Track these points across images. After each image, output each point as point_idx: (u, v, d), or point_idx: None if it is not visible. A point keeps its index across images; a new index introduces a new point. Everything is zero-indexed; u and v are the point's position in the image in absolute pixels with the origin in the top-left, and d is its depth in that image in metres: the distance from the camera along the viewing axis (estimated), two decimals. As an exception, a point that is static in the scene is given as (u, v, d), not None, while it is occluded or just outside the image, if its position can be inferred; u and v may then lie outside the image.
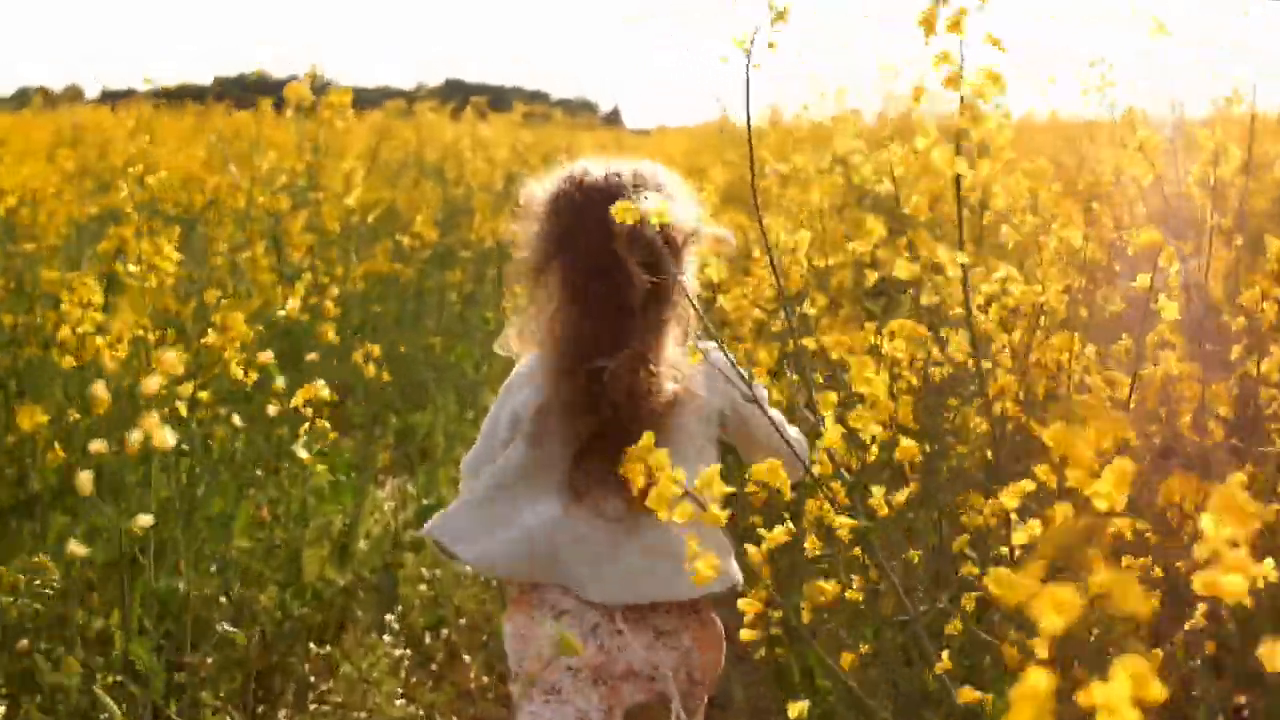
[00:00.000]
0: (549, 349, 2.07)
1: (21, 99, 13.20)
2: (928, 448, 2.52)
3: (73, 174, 6.99)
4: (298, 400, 3.29)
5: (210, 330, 3.14)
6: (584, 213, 2.06)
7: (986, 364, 2.50)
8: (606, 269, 1.99)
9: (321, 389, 3.28)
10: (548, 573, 2.06)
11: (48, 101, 12.59)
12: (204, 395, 3.27)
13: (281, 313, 4.43)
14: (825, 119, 6.03)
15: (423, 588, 3.96)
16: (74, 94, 13.20)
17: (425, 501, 4.32)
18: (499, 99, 13.47)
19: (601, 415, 2.00)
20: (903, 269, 2.70)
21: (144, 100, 7.76)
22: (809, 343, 2.80)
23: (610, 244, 1.94)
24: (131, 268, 3.28)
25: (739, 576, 2.07)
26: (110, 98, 12.52)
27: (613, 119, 23.59)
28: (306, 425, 3.39)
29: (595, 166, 2.14)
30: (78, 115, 11.25)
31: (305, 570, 3.68)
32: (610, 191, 2.02)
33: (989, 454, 2.39)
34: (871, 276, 3.95)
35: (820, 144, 7.43)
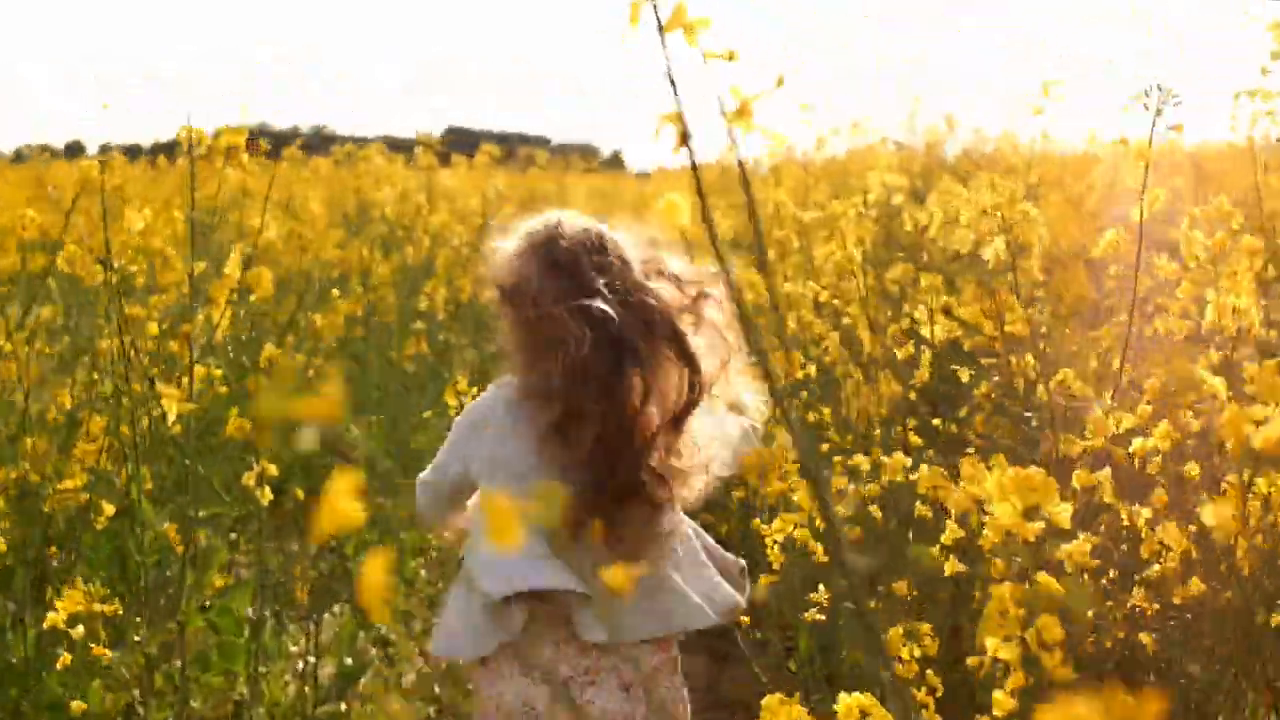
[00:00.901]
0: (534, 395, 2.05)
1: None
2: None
3: None
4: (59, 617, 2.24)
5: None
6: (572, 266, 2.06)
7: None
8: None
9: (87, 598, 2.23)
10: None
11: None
12: None
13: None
14: (845, 152, 5.01)
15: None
16: None
17: (347, 660, 3.29)
18: (502, 145, 12.58)
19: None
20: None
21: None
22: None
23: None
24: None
25: (741, 600, 2.12)
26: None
27: (614, 163, 22.68)
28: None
29: (571, 219, 2.13)
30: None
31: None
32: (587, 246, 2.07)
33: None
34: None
35: (837, 181, 6.42)
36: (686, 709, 2.15)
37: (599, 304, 2.00)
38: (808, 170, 6.05)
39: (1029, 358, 2.56)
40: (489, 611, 2.01)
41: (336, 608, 4.03)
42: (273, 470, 3.08)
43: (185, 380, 3.21)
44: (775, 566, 2.44)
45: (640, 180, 14.29)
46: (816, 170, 6.37)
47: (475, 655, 2.05)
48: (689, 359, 2.02)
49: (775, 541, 2.45)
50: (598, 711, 2.03)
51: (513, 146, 11.85)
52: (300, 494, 3.36)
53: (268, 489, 3.13)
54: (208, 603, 3.20)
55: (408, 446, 4.60)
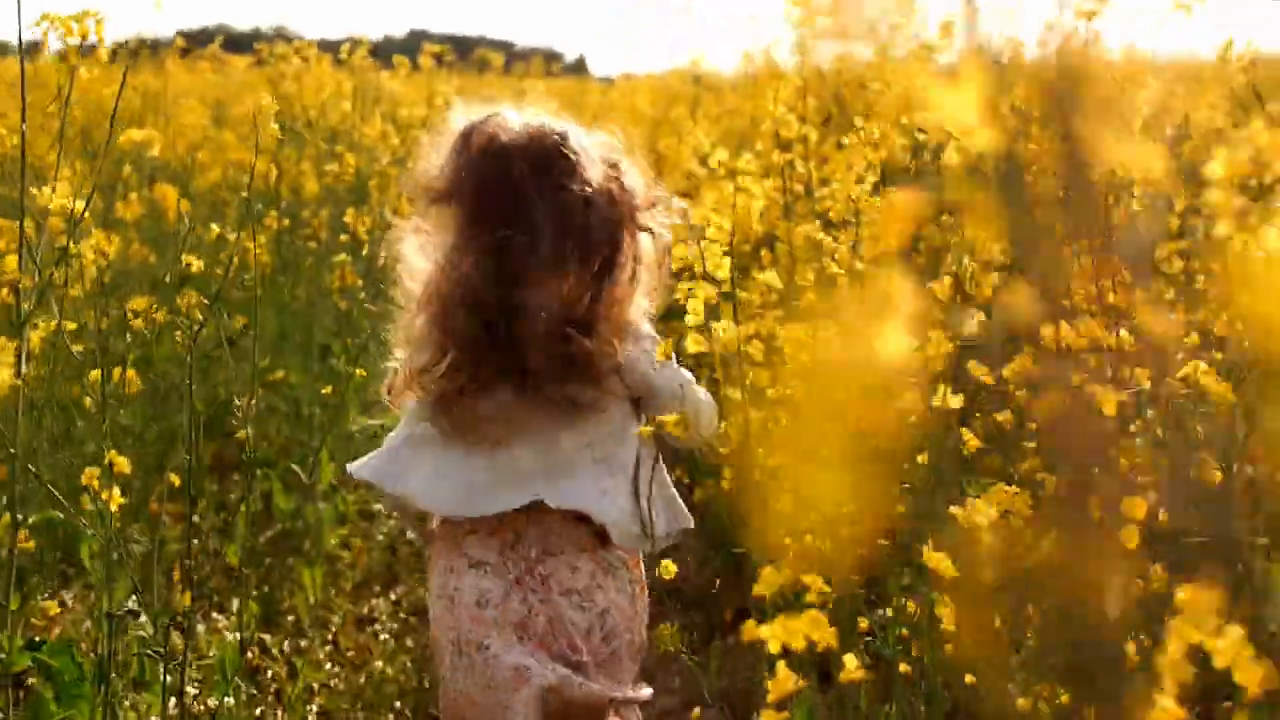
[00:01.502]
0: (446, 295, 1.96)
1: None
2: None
3: None
4: None
5: None
6: (504, 159, 1.96)
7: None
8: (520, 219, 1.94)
9: None
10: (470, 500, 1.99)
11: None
12: None
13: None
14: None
15: None
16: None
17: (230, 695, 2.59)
18: (463, 49, 11.69)
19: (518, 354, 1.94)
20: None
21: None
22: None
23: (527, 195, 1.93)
24: None
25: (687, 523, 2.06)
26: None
27: (578, 68, 21.76)
28: None
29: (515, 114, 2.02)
30: None
31: None
32: (534, 144, 1.97)
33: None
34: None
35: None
36: (640, 614, 2.03)
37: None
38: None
39: None
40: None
41: (222, 616, 3.34)
42: (123, 464, 2.39)
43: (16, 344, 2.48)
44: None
45: (605, 86, 13.42)
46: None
47: (430, 508, 2.04)
48: (610, 268, 1.95)
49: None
50: (544, 618, 1.95)
51: (470, 49, 10.96)
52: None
53: (117, 490, 2.42)
54: (37, 637, 2.50)
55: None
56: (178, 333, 2.59)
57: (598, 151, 1.99)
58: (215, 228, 2.80)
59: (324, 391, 3.79)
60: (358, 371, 3.56)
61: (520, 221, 1.93)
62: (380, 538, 4.12)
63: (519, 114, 2.01)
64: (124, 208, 3.60)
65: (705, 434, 2.04)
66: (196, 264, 2.70)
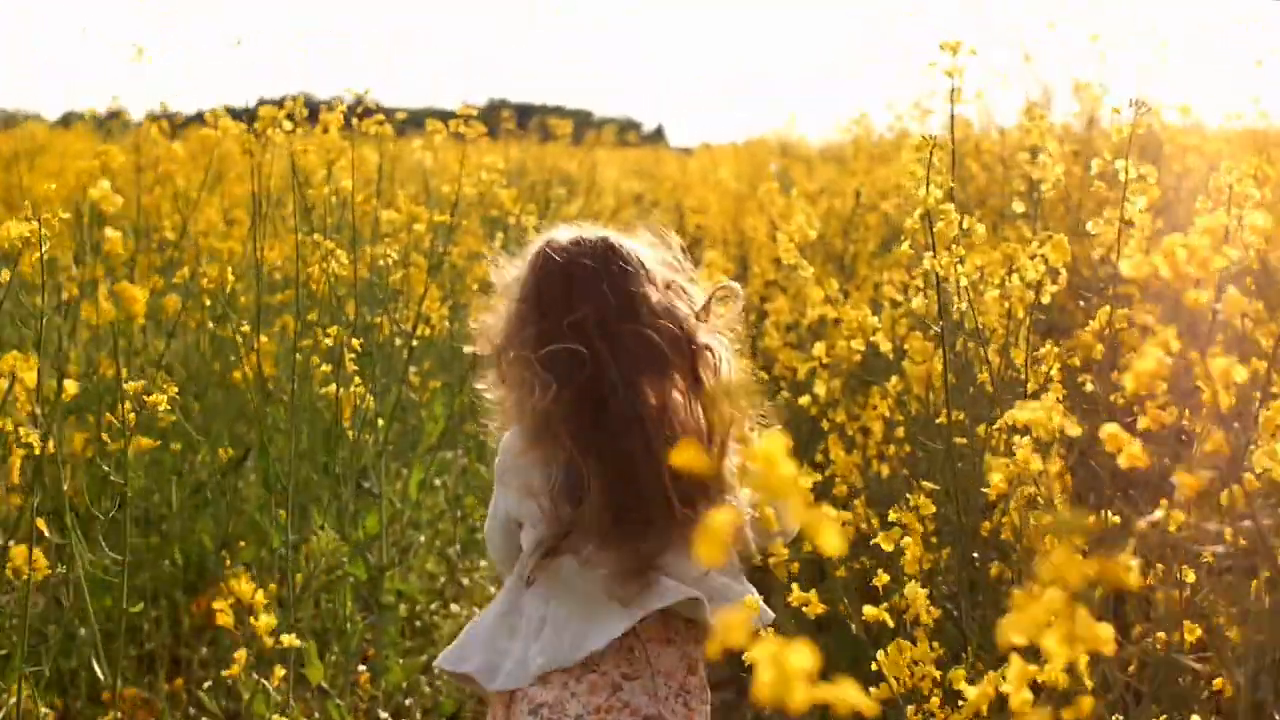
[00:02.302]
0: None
1: None
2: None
3: None
4: None
5: None
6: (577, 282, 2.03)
7: None
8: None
9: None
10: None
11: None
12: None
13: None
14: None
15: None
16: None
17: None
18: (528, 117, 11.04)
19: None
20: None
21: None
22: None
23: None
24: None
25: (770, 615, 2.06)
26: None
27: (656, 137, 21.28)
28: None
29: (562, 235, 2.09)
30: None
31: None
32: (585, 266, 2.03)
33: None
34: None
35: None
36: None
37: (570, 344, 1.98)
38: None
39: None
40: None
41: None
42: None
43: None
44: None
45: (683, 156, 12.79)
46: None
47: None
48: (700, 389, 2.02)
49: None
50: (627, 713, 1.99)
51: (544, 118, 10.30)
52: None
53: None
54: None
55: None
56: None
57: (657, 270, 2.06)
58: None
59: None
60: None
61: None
62: None
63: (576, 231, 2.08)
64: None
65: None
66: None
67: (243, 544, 3.24)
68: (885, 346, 2.86)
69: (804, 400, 3.20)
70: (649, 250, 2.07)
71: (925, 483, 2.33)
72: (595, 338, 1.96)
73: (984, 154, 4.27)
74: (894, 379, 2.93)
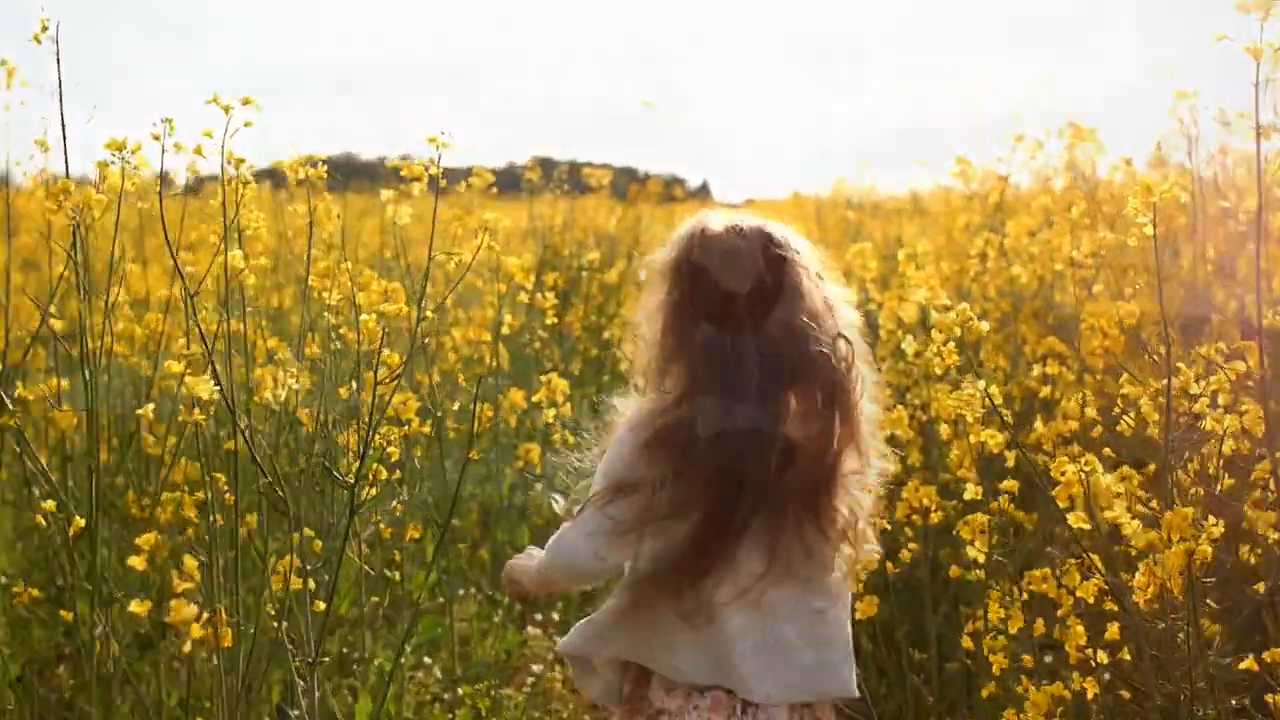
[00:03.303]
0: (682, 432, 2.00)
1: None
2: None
3: None
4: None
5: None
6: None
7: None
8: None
9: None
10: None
11: None
12: None
13: None
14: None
15: None
16: None
17: None
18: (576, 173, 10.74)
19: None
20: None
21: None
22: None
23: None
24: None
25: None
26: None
27: (701, 193, 20.97)
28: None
29: (714, 220, 2.13)
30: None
31: None
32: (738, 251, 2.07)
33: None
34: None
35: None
36: None
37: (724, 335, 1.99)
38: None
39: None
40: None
41: None
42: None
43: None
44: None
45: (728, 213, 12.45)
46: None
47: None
48: (843, 405, 2.01)
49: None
50: None
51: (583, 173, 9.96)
52: None
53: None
54: None
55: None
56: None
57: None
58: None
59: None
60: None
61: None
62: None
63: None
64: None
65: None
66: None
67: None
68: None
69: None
70: (804, 241, 2.12)
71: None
72: (744, 318, 1.99)
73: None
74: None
